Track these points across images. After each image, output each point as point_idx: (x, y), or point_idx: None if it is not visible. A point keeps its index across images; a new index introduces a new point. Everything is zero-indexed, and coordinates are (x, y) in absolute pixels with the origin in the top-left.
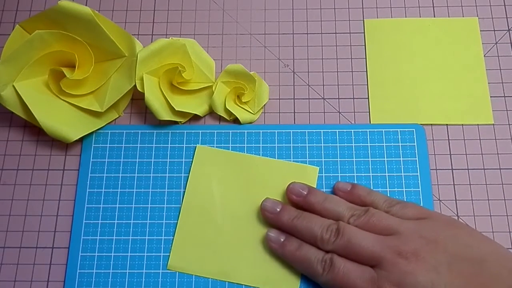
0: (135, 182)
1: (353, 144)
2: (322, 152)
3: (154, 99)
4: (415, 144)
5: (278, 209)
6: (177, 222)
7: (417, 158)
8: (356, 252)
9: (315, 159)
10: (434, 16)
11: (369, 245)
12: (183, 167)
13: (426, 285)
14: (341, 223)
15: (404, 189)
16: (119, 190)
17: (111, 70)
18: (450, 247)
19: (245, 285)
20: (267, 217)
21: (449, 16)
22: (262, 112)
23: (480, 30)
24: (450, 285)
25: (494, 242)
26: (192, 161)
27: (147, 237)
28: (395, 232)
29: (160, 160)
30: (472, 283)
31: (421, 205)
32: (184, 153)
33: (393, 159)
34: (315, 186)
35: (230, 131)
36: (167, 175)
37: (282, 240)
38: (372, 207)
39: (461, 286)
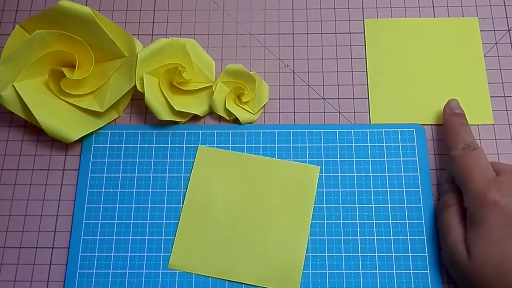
0: (135, 182)
1: (353, 144)
2: (322, 152)
3: (154, 99)
4: (415, 144)
5: (457, 111)
6: (178, 222)
7: (417, 158)
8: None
9: (315, 159)
10: (434, 16)
11: (506, 164)
12: (183, 167)
13: None
14: None
15: (404, 189)
16: (119, 190)
17: (111, 70)
18: None
19: (245, 284)
20: (444, 110)
21: (449, 16)
22: (262, 112)
23: (480, 30)
24: None
25: None
26: (193, 161)
27: (147, 237)
28: None
29: (160, 160)
30: None
31: (421, 205)
32: (184, 153)
33: (393, 159)
34: (315, 186)
35: (230, 131)
36: (167, 175)
37: (456, 111)
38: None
39: None
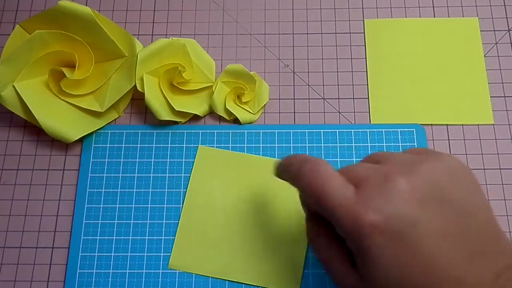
0: (135, 182)
1: (353, 144)
2: (322, 152)
3: (154, 99)
4: (415, 144)
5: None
6: (178, 222)
7: None
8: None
9: None
10: (434, 16)
11: (359, 167)
12: (183, 167)
13: (406, 219)
14: None
15: None
16: (119, 190)
17: (111, 70)
18: (443, 183)
19: (245, 284)
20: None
21: (449, 16)
22: (262, 112)
23: (480, 30)
24: (429, 228)
25: (486, 199)
26: (193, 161)
27: (147, 237)
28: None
29: (160, 160)
30: (451, 233)
31: None
32: (184, 153)
33: None
34: None
35: (230, 131)
36: (167, 175)
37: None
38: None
39: (440, 234)
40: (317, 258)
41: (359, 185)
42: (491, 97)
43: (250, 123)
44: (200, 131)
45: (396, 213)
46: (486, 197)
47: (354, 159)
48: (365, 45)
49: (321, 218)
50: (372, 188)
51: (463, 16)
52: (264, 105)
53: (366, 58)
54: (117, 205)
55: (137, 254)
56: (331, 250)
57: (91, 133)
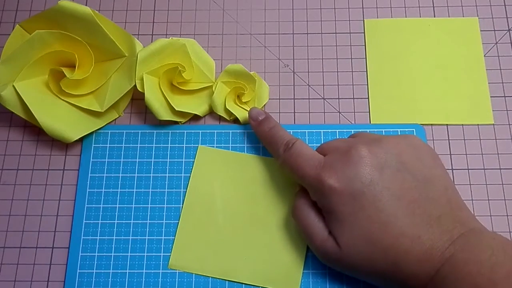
0: (135, 182)
1: None
2: None
3: (154, 99)
4: None
5: (260, 118)
6: (178, 222)
7: None
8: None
9: None
10: (434, 16)
11: (337, 140)
12: (183, 167)
13: (363, 180)
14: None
15: None
16: (119, 190)
17: (111, 70)
18: (405, 156)
19: (245, 284)
20: (251, 124)
21: (449, 16)
22: None
23: (480, 30)
24: (386, 189)
25: (447, 173)
26: (193, 161)
27: (147, 237)
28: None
29: (160, 160)
30: (407, 197)
31: None
32: (184, 153)
33: None
34: None
35: (230, 131)
36: (167, 175)
37: (260, 118)
38: None
39: (396, 195)
40: (300, 228)
41: (328, 153)
42: (491, 97)
43: None
44: (200, 131)
45: (353, 174)
46: (447, 172)
47: None
48: (365, 45)
49: (305, 192)
50: (336, 155)
51: (463, 16)
52: (264, 105)
53: (366, 58)
54: (117, 205)
55: (137, 254)
56: (310, 218)
57: (91, 133)
